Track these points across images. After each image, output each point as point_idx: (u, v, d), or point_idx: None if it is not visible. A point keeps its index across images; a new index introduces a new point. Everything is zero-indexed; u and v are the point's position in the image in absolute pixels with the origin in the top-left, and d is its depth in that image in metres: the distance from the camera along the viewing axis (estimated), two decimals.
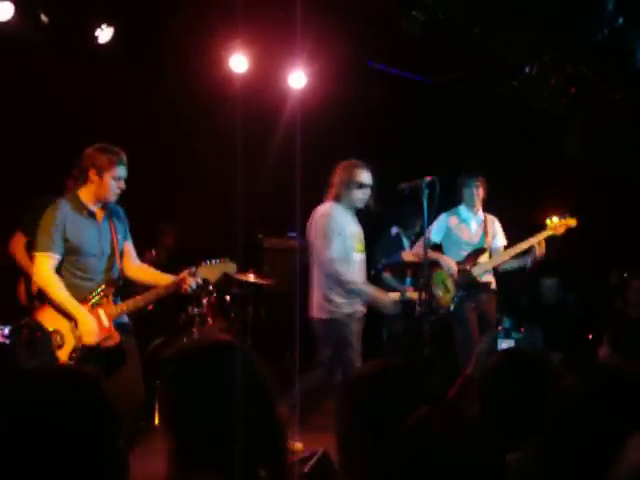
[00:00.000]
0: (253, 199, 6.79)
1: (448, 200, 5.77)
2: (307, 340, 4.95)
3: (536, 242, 5.64)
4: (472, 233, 5.94)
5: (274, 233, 7.34)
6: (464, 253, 5.84)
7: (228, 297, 6.24)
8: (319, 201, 5.19)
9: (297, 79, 6.91)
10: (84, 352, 3.86)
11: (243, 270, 6.11)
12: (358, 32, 6.34)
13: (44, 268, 3.86)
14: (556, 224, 5.71)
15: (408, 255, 6.10)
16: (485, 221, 5.98)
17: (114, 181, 3.98)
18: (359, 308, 4.91)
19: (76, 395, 1.43)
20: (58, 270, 3.90)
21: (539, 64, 6.15)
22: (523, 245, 5.71)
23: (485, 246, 5.90)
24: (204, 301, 5.91)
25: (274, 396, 1.72)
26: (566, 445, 1.74)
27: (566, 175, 7.28)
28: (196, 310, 5.89)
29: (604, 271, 7.14)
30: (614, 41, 5.29)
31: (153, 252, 6.33)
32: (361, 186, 4.90)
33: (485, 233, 5.93)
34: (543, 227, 5.75)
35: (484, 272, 5.82)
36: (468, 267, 5.76)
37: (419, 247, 5.78)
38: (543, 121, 7.08)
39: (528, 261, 5.67)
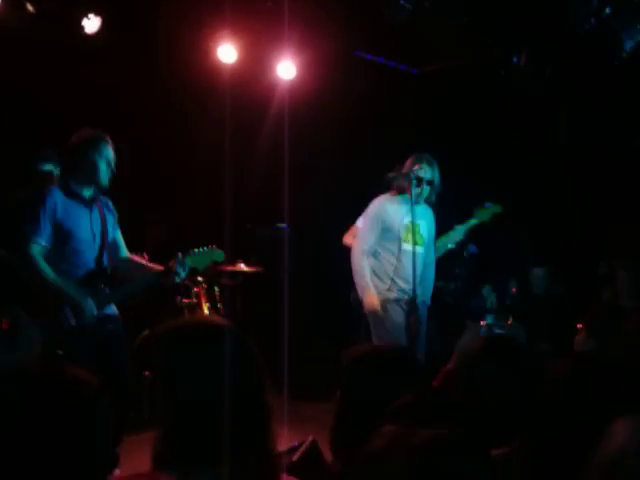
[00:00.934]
0: (242, 189, 6.79)
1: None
2: (295, 329, 4.97)
3: (461, 231, 5.59)
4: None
5: (263, 223, 7.35)
6: None
7: (217, 287, 6.23)
8: (307, 191, 5.21)
9: (286, 69, 6.90)
10: (73, 343, 3.84)
11: (232, 260, 6.12)
12: (346, 22, 6.34)
13: (30, 254, 3.84)
14: (482, 212, 5.70)
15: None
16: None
17: (104, 161, 3.97)
18: (403, 295, 4.97)
19: (71, 403, 1.37)
20: (47, 257, 3.88)
21: (527, 54, 6.15)
22: (455, 233, 5.68)
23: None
24: (193, 292, 5.92)
25: (264, 381, 1.72)
26: (552, 435, 1.75)
27: (553, 165, 7.31)
28: (185, 301, 5.89)
29: (593, 261, 7.19)
30: (601, 31, 5.30)
31: (145, 256, 6.27)
32: (418, 181, 4.92)
33: None
34: (471, 215, 5.73)
35: None
36: None
37: (349, 236, 5.64)
38: (531, 111, 7.09)
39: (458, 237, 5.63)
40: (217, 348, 1.64)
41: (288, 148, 5.52)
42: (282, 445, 4.58)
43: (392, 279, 5.02)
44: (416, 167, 4.92)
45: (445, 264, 6.78)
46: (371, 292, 4.97)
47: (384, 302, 4.99)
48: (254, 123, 7.35)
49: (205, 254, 4.18)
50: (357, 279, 5.05)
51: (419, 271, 4.99)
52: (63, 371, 1.42)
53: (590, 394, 1.74)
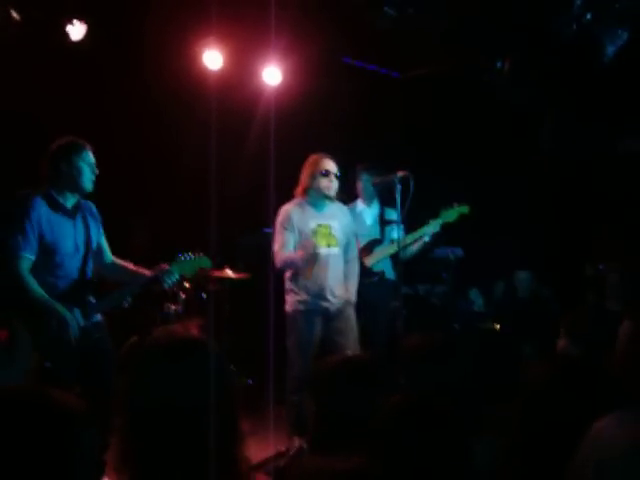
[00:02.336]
0: (228, 194, 6.79)
1: (421, 194, 5.76)
2: (281, 334, 4.98)
3: (429, 231, 5.63)
4: (369, 226, 5.97)
5: (249, 229, 7.35)
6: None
7: (204, 294, 6.24)
8: (293, 196, 5.22)
9: (271, 75, 6.92)
10: (59, 353, 3.83)
11: (218, 266, 6.12)
12: (331, 28, 6.37)
13: (18, 268, 3.82)
14: (449, 211, 5.75)
15: None
16: (382, 213, 6.01)
17: (87, 167, 3.95)
18: (322, 303, 4.95)
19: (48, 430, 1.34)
20: (31, 268, 3.85)
21: (510, 60, 6.20)
22: (415, 235, 5.70)
23: (380, 237, 5.92)
24: (180, 298, 5.92)
25: (235, 402, 1.70)
26: (535, 436, 1.78)
27: (539, 169, 7.36)
28: (172, 307, 5.90)
29: (579, 263, 7.23)
30: (583, 37, 5.36)
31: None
32: (326, 174, 4.98)
33: (381, 224, 5.96)
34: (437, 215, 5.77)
35: (377, 261, 5.81)
36: (361, 257, 5.73)
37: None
38: (515, 114, 7.14)
39: (426, 238, 5.66)
40: (188, 366, 1.63)
41: (274, 153, 5.54)
42: (269, 450, 4.61)
43: (306, 288, 4.96)
44: (326, 162, 5.00)
45: (432, 267, 6.83)
46: (298, 253, 4.89)
47: (295, 313, 4.95)
48: (240, 129, 7.36)
49: (192, 261, 4.18)
50: (289, 264, 4.99)
51: (336, 273, 4.99)
52: (49, 396, 1.39)
53: (570, 396, 1.77)
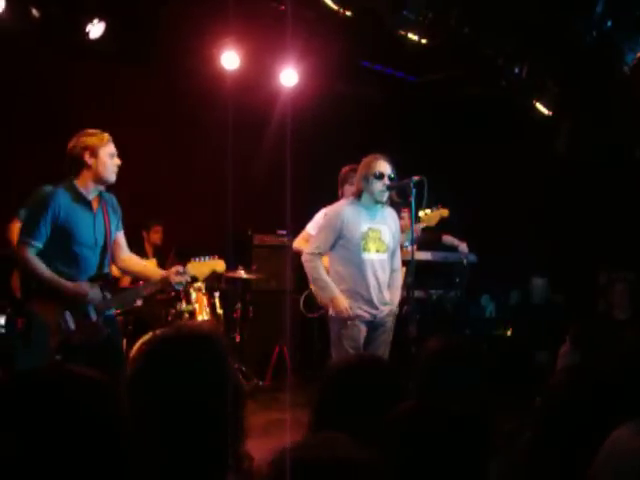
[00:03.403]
0: (243, 196, 6.81)
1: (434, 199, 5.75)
2: (296, 336, 4.97)
3: (408, 237, 5.45)
4: None
5: (264, 230, 7.37)
6: None
7: (217, 293, 6.25)
8: (309, 198, 5.21)
9: (288, 77, 6.94)
10: (71, 347, 3.83)
11: (232, 267, 6.14)
12: (348, 31, 6.37)
13: (26, 254, 3.83)
14: (429, 215, 5.62)
15: None
16: None
17: (110, 158, 3.95)
18: (361, 312, 4.71)
19: (88, 400, 1.36)
20: (49, 260, 3.86)
21: (528, 65, 6.18)
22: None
23: None
24: (193, 297, 5.94)
25: (243, 397, 1.69)
26: (553, 442, 1.77)
27: (554, 174, 7.33)
28: (185, 306, 5.92)
29: (594, 271, 7.20)
30: (603, 44, 5.31)
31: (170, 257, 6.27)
32: (379, 176, 4.71)
33: None
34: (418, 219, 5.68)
35: None
36: None
37: (300, 241, 5.52)
38: (531, 121, 7.12)
39: (406, 243, 5.50)
40: (193, 357, 1.63)
41: (290, 155, 5.55)
42: None
43: (354, 293, 4.71)
44: (381, 164, 4.68)
45: (445, 273, 6.82)
46: (336, 294, 4.64)
47: (342, 319, 4.67)
48: (256, 130, 7.37)
49: (206, 263, 4.16)
50: (315, 284, 4.79)
51: (383, 279, 4.78)
52: (71, 370, 1.41)
53: (589, 406, 1.77)
